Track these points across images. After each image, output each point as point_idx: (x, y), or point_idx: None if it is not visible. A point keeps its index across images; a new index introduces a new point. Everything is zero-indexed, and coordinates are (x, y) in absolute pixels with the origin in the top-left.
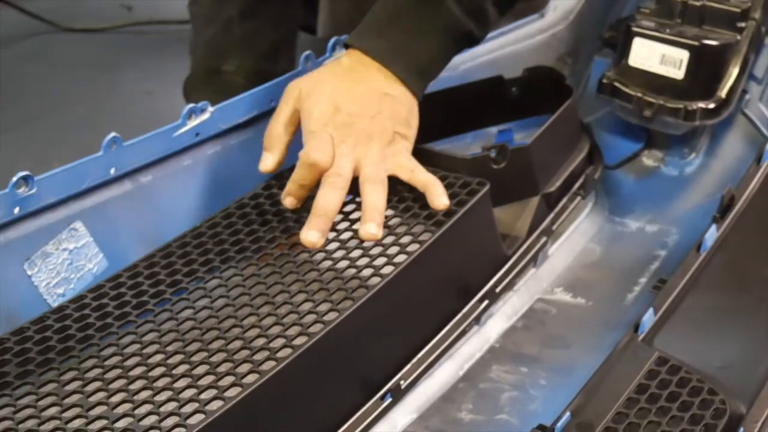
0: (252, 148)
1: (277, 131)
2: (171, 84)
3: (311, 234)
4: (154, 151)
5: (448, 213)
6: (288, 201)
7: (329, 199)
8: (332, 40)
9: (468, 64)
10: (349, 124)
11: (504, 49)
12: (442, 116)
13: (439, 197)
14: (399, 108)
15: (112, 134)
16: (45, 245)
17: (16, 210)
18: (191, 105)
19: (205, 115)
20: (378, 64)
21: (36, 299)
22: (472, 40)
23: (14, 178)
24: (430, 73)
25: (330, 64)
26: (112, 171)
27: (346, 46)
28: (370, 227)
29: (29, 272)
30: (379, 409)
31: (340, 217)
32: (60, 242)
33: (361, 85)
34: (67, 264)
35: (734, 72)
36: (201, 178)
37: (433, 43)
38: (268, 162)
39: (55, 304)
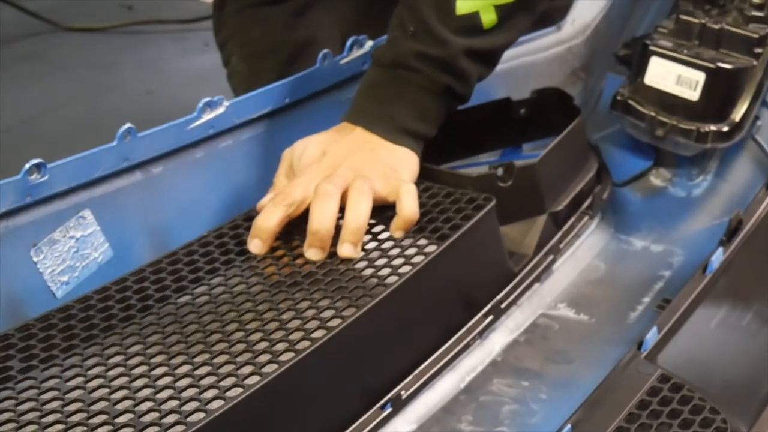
0: (263, 144)
1: (279, 181)
2: (171, 83)
3: (311, 252)
4: (168, 143)
5: (454, 227)
6: (254, 246)
7: (321, 213)
8: (351, 40)
9: None
10: (336, 164)
11: (518, 59)
12: (449, 139)
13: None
14: (389, 155)
15: (128, 125)
16: (52, 232)
17: (27, 197)
18: (207, 99)
19: (220, 109)
20: (362, 128)
21: (40, 286)
22: (456, 95)
23: (27, 165)
24: (416, 132)
25: (320, 133)
26: (125, 162)
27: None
28: (346, 248)
29: (35, 259)
30: (379, 419)
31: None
32: (67, 230)
33: (349, 137)
34: (73, 252)
35: (748, 97)
36: (212, 172)
37: (410, 104)
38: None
39: (58, 292)
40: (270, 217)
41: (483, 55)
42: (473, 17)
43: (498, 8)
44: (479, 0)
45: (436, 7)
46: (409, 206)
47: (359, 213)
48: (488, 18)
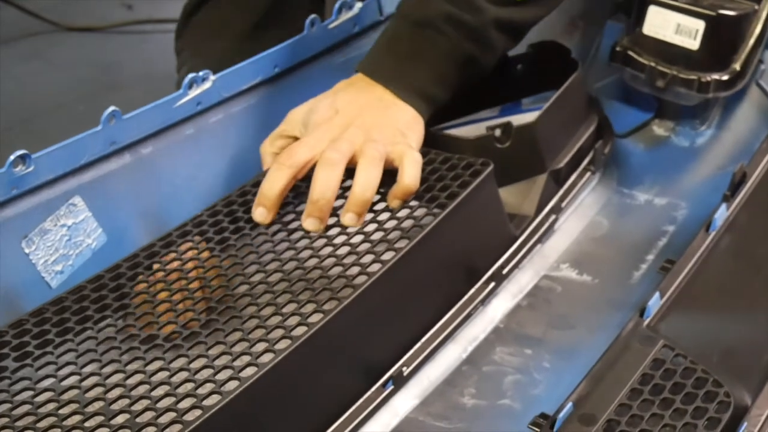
0: (255, 115)
1: (264, 147)
2: (171, 83)
3: (309, 222)
4: (155, 122)
5: (452, 195)
6: (258, 214)
7: (326, 178)
8: (339, 3)
9: None
10: (348, 123)
11: None
12: None
13: (395, 200)
14: (401, 116)
15: (112, 108)
16: (43, 222)
17: (14, 189)
18: (192, 74)
19: (207, 84)
20: (378, 84)
21: (34, 277)
22: (478, 65)
23: (11, 157)
24: (432, 96)
25: (334, 86)
26: (112, 145)
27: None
28: (349, 217)
29: (27, 250)
30: (381, 397)
31: (340, 202)
32: (58, 218)
33: (362, 95)
34: (65, 240)
35: (750, 42)
36: (203, 147)
37: (431, 67)
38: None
39: (53, 282)
40: (275, 183)
41: (513, 27)
42: None
43: None
44: None
45: None
46: (410, 176)
47: (368, 183)
48: None
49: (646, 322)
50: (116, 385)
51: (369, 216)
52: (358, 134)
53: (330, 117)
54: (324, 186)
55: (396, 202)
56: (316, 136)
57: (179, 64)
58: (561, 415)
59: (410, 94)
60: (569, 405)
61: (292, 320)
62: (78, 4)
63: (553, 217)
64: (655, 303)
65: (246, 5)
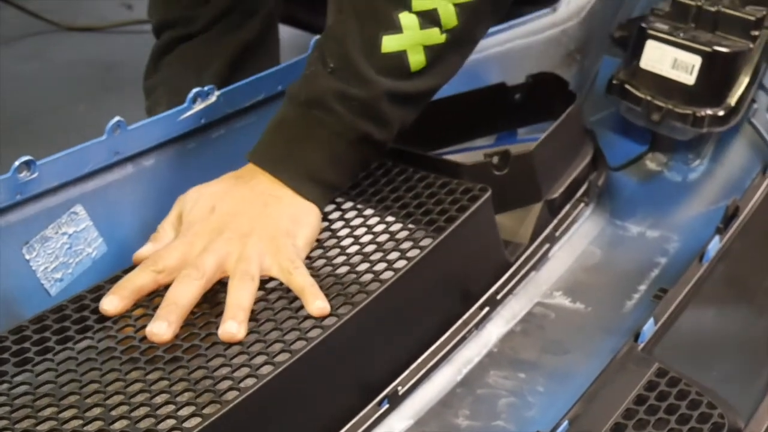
0: (257, 132)
1: (162, 230)
2: None
3: (156, 326)
4: (158, 135)
5: (450, 219)
6: (107, 302)
7: (180, 291)
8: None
9: (476, 56)
10: (223, 224)
11: (513, 42)
12: (444, 125)
13: (314, 303)
14: (285, 208)
15: (117, 118)
16: (44, 229)
17: (18, 195)
18: (197, 89)
19: (211, 99)
20: (266, 172)
21: (34, 284)
22: (374, 143)
23: (16, 163)
24: (325, 180)
25: (222, 177)
26: (116, 155)
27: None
28: (230, 326)
29: (27, 257)
30: (376, 415)
31: (341, 223)
32: (60, 226)
33: (244, 188)
34: (66, 248)
35: (745, 80)
36: (205, 162)
37: (323, 149)
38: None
39: (52, 290)
40: (134, 281)
41: (408, 99)
42: (400, 57)
43: (427, 49)
44: (407, 39)
45: (361, 41)
46: (305, 291)
47: (240, 302)
48: (416, 59)
49: (640, 347)
50: (116, 393)
51: (368, 237)
52: (230, 243)
53: (205, 217)
54: (177, 295)
55: (317, 312)
56: (187, 239)
57: (151, 103)
58: None
59: (301, 180)
60: (565, 423)
61: (292, 335)
62: (78, 4)
63: (547, 245)
64: (649, 328)
65: (221, 45)
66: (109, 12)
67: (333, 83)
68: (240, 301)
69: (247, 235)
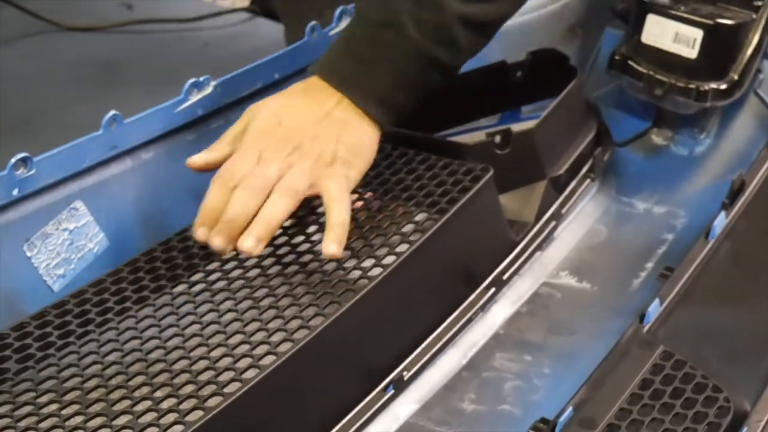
0: None
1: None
2: (171, 83)
3: (216, 240)
4: (156, 127)
5: (452, 200)
6: (200, 232)
7: (238, 202)
8: (339, 10)
9: None
10: (286, 138)
11: (515, 18)
12: (446, 105)
13: (330, 245)
14: (349, 132)
15: (113, 112)
16: (45, 226)
17: (15, 191)
18: (193, 80)
19: (208, 89)
20: (334, 89)
21: (36, 281)
22: (444, 67)
23: (13, 160)
24: (393, 103)
25: (290, 87)
26: (113, 149)
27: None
28: (248, 242)
29: (29, 254)
30: (382, 401)
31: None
32: (60, 222)
33: (311, 104)
34: (67, 244)
35: (748, 52)
36: None
37: (392, 71)
38: (197, 157)
39: (55, 286)
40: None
41: (479, 24)
42: None
43: None
44: None
45: None
46: (335, 222)
47: (273, 215)
48: None
49: (645, 328)
50: (118, 387)
51: (368, 222)
52: (292, 158)
53: (270, 128)
54: (237, 211)
55: (332, 248)
56: (249, 152)
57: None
58: (561, 419)
59: (370, 101)
60: (569, 409)
61: (294, 323)
62: (78, 4)
63: (553, 223)
64: (654, 309)
65: None
66: (109, 12)
67: (406, 5)
68: (270, 215)
69: (306, 155)
